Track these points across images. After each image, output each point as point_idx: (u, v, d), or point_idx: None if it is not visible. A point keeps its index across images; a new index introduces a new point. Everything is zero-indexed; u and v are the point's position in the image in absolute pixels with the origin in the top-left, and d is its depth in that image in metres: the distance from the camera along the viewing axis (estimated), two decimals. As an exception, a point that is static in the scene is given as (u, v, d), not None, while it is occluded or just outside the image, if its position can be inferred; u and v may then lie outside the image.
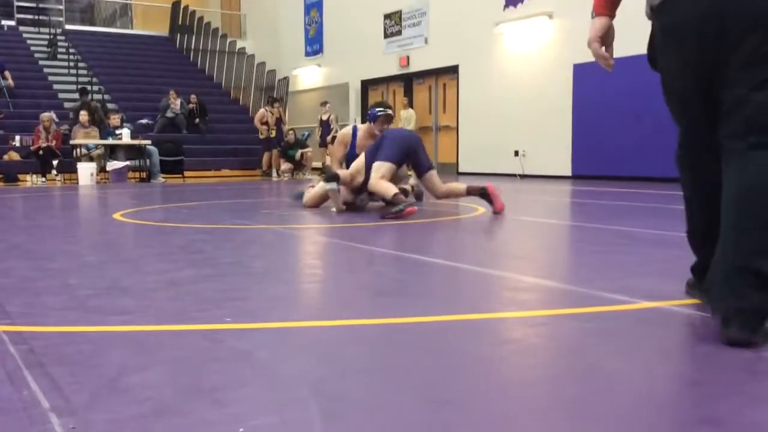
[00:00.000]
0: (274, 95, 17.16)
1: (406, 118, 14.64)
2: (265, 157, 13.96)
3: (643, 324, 2.08)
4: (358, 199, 6.23)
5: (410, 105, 14.96)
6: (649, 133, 10.50)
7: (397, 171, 6.04)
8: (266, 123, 13.80)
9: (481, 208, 5.95)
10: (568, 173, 11.83)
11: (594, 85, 11.27)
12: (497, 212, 5.58)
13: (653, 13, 2.16)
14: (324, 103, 14.87)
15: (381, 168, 5.79)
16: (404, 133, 6.25)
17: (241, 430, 1.28)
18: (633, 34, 10.48)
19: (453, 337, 1.95)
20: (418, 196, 6.89)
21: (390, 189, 5.63)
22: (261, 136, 13.99)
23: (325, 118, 14.53)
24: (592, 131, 11.37)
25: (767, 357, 1.74)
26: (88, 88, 14.86)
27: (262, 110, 13.90)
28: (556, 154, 11.97)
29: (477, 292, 2.63)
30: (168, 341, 1.93)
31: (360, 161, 6.02)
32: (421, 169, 6.03)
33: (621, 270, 3.02)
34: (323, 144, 14.51)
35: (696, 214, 2.18)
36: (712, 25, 1.90)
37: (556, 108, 11.93)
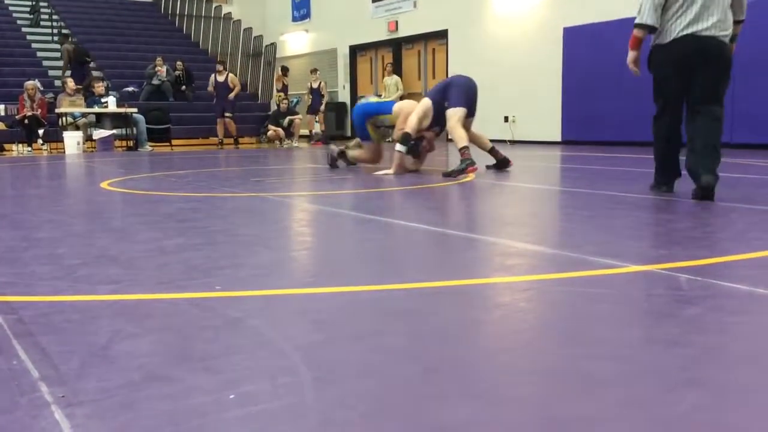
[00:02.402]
0: (262, 61, 16.95)
1: (391, 85, 14.53)
2: (218, 126, 13.27)
3: (630, 287, 2.10)
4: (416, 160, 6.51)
5: (395, 71, 14.84)
6: (639, 98, 10.45)
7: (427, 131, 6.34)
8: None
9: (471, 175, 5.94)
10: (558, 139, 11.81)
11: (584, 50, 11.20)
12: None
13: (661, 47, 4.17)
14: (314, 71, 14.71)
15: (457, 113, 6.10)
16: (470, 82, 6.41)
17: (232, 396, 1.28)
18: (623, -3, 10.07)
19: (443, 302, 1.96)
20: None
21: (462, 139, 5.96)
22: (214, 104, 13.33)
23: (315, 86, 14.38)
24: (582, 96, 11.33)
25: (751, 321, 1.76)
26: (67, 32, 14.77)
27: (211, 76, 13.30)
28: (546, 120, 11.94)
29: (466, 258, 2.64)
30: (157, 310, 1.93)
31: (426, 104, 6.21)
32: (471, 114, 6.33)
33: (609, 234, 3.04)
34: (313, 111, 14.38)
35: (664, 145, 4.35)
36: (692, 59, 4.04)
37: (545, 73, 11.86)
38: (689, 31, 4.00)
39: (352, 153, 6.91)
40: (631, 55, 4.29)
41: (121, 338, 1.64)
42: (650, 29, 4.15)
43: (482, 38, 13.18)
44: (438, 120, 6.30)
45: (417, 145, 6.38)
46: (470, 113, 6.29)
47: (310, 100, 14.43)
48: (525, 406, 1.25)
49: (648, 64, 4.28)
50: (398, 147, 6.11)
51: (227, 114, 13.16)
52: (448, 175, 5.79)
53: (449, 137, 6.52)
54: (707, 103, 4.05)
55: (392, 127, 6.61)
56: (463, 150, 5.88)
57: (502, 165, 6.44)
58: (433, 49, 14.73)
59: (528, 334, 1.69)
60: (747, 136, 9.10)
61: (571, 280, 2.18)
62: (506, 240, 2.97)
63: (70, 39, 14.81)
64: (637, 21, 4.18)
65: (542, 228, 3.50)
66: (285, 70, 14.71)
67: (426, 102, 6.28)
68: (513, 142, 12.18)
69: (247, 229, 3.38)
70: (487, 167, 6.46)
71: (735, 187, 4.71)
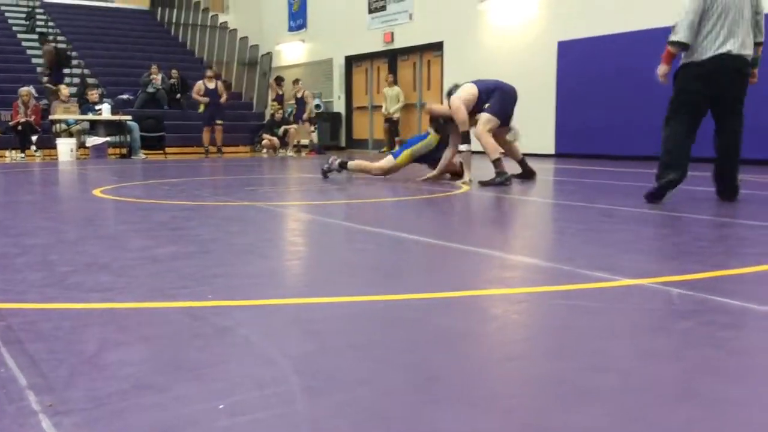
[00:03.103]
0: (257, 71, 16.98)
1: (392, 97, 14.56)
2: (204, 134, 13.13)
3: (623, 301, 2.09)
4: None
5: (395, 82, 14.88)
6: (632, 111, 10.53)
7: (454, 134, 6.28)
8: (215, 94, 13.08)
9: (466, 186, 5.94)
10: (552, 151, 11.85)
11: (578, 63, 11.26)
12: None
13: (696, 64, 4.46)
14: (296, 81, 14.65)
15: (490, 121, 6.02)
16: (514, 93, 6.37)
17: (222, 406, 1.27)
18: (618, 12, 10.57)
19: (437, 313, 1.95)
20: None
21: (495, 150, 5.93)
22: (200, 111, 13.22)
23: (299, 95, 14.35)
24: (575, 109, 11.38)
25: (742, 336, 1.76)
26: (46, 32, 14.76)
27: (199, 82, 13.16)
28: (540, 132, 11.97)
29: (461, 270, 2.63)
30: (148, 318, 1.91)
31: (472, 91, 6.08)
32: (506, 124, 6.31)
33: (603, 248, 3.04)
34: (296, 121, 14.31)
35: (682, 137, 4.51)
36: (722, 77, 4.42)
37: (540, 86, 11.90)
38: (723, 50, 4.37)
39: (355, 163, 6.88)
40: (664, 68, 4.55)
41: (111, 346, 1.63)
42: (684, 47, 4.45)
43: (477, 51, 13.23)
44: (473, 112, 6.19)
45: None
46: (504, 123, 6.28)
47: (295, 110, 14.39)
48: (519, 416, 1.25)
49: (674, 78, 4.57)
50: (462, 147, 6.08)
51: (218, 121, 13.12)
52: (486, 184, 5.79)
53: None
54: (729, 117, 4.50)
55: (450, 120, 6.34)
56: (496, 162, 5.89)
57: (527, 176, 6.51)
58: (429, 61, 14.77)
59: (522, 345, 1.69)
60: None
61: (564, 292, 2.18)
62: (501, 252, 2.96)
63: (50, 39, 14.80)
64: (672, 38, 4.45)
65: (537, 241, 3.50)
66: (279, 80, 14.71)
67: (472, 89, 6.16)
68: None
69: (240, 238, 3.37)
70: (514, 176, 6.36)
71: (735, 201, 4.73)
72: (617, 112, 10.72)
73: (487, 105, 6.11)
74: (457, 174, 6.49)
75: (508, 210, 4.79)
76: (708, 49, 4.40)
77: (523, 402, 1.32)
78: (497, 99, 6.09)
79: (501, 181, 5.80)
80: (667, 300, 2.07)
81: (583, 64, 11.15)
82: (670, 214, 4.04)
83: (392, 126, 14.72)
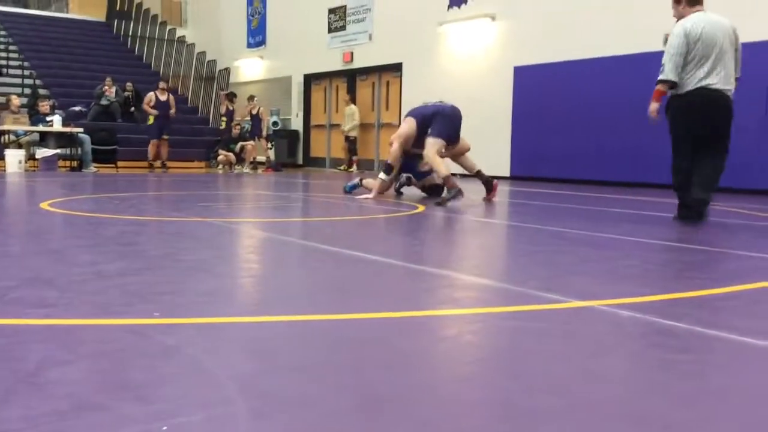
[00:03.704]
0: (215, 86, 16.87)
1: (349, 115, 14.61)
2: (151, 147, 13.01)
3: (574, 323, 2.11)
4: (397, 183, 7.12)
5: (353, 101, 14.93)
6: (585, 136, 10.75)
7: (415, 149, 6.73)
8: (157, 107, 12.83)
9: (421, 206, 5.97)
10: (507, 174, 12.00)
11: (533, 88, 11.47)
12: (488, 199, 6.73)
13: (678, 96, 4.99)
14: (251, 98, 14.55)
15: (436, 144, 6.42)
16: (455, 112, 6.71)
17: (165, 428, 1.23)
18: (573, 40, 10.82)
19: (388, 334, 1.94)
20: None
21: (443, 169, 6.30)
22: (149, 123, 13.02)
23: (254, 112, 14.27)
24: (530, 133, 11.58)
25: (690, 360, 1.79)
26: None
27: (151, 93, 13.02)
28: (496, 155, 12.13)
29: (413, 290, 2.63)
30: (92, 336, 1.85)
31: (410, 127, 6.56)
32: (452, 142, 6.73)
33: (555, 270, 3.07)
34: (253, 137, 14.19)
35: (684, 180, 5.05)
36: (702, 107, 4.91)
37: (496, 109, 12.08)
38: (701, 84, 4.88)
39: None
40: (654, 106, 5.05)
41: (51, 365, 1.57)
42: (672, 85, 4.96)
43: (436, 73, 13.38)
44: (420, 141, 6.60)
45: (410, 179, 7.06)
46: (452, 141, 6.66)
47: (250, 126, 14.28)
48: (466, 441, 1.24)
49: (665, 111, 5.09)
50: (381, 176, 6.58)
51: (165, 136, 12.93)
52: (440, 204, 6.06)
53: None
54: (712, 144, 4.98)
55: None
56: (446, 179, 6.24)
57: (488, 186, 6.89)
58: (388, 82, 14.87)
59: (472, 366, 1.68)
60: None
61: (516, 314, 2.19)
62: (454, 272, 2.97)
63: None
64: (661, 77, 4.96)
65: (489, 261, 3.52)
66: (231, 96, 14.49)
67: (410, 123, 6.61)
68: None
69: (191, 255, 3.31)
70: (484, 199, 6.83)
71: (682, 226, 4.84)
72: (571, 136, 10.94)
73: (429, 129, 6.52)
74: (434, 187, 6.96)
75: (461, 231, 4.81)
76: (690, 83, 4.91)
77: (471, 423, 1.31)
78: (437, 122, 6.49)
79: (453, 196, 6.09)
80: (616, 322, 2.10)
81: (539, 90, 11.37)
82: (620, 238, 4.11)
83: (350, 145, 14.77)
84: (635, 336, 1.94)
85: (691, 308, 2.34)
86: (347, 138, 14.76)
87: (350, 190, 7.21)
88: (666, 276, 3.04)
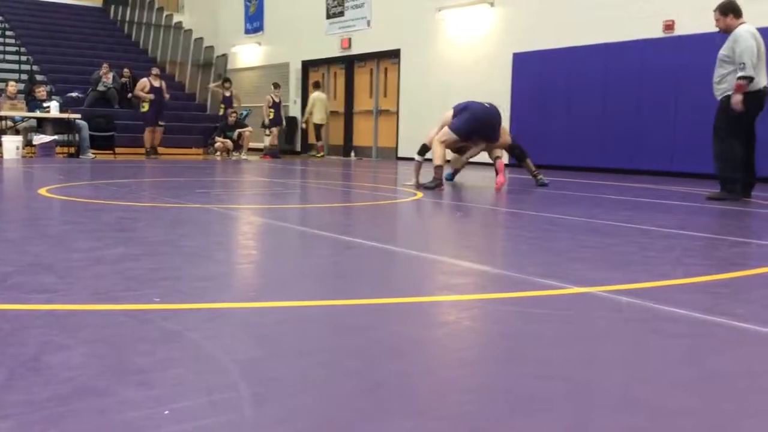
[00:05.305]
0: (212, 72, 16.79)
1: (320, 101, 14.74)
2: (147, 134, 12.77)
3: (572, 309, 2.12)
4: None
5: (316, 87, 15.05)
6: (584, 123, 10.74)
7: (467, 142, 7.00)
8: (151, 91, 12.73)
9: (420, 193, 5.96)
10: (506, 161, 11.96)
11: (531, 75, 11.44)
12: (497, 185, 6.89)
13: (750, 94, 5.73)
14: (276, 85, 14.51)
15: (445, 135, 6.66)
16: (487, 112, 6.88)
17: (167, 412, 1.24)
18: (570, 27, 10.79)
19: (387, 319, 1.95)
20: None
21: (438, 159, 6.53)
22: (143, 110, 12.77)
23: (277, 100, 14.26)
24: (529, 119, 11.55)
25: (688, 345, 1.79)
26: None
27: (144, 79, 12.81)
28: (494, 142, 12.10)
29: (412, 276, 2.63)
30: (92, 321, 1.86)
31: (447, 115, 6.80)
32: (488, 140, 7.02)
33: (552, 256, 3.08)
34: (275, 125, 14.18)
35: (740, 163, 5.84)
36: (761, 104, 5.89)
37: (495, 96, 11.95)
38: (762, 84, 5.75)
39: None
40: (740, 98, 5.68)
41: (52, 350, 1.57)
42: (751, 80, 5.66)
43: (434, 59, 13.33)
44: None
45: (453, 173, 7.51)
46: (467, 138, 6.88)
47: (272, 113, 14.21)
48: (466, 423, 1.24)
49: (726, 105, 5.80)
50: (416, 158, 6.83)
51: (161, 123, 12.86)
52: (419, 186, 6.39)
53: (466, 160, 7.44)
54: (752, 134, 5.91)
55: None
56: (437, 168, 6.43)
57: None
58: (386, 68, 14.82)
59: (471, 352, 1.69)
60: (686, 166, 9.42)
61: (514, 300, 2.20)
62: (452, 259, 2.98)
63: None
64: (744, 74, 5.62)
65: (488, 248, 3.53)
66: (226, 81, 14.42)
67: (449, 112, 6.87)
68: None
69: (190, 241, 3.31)
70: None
71: (680, 213, 4.85)
72: (569, 123, 10.93)
73: (452, 122, 6.77)
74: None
75: (459, 217, 4.81)
76: (759, 83, 5.72)
77: (470, 409, 1.32)
78: (462, 118, 6.71)
79: (431, 186, 6.36)
80: (615, 308, 2.11)
81: (537, 76, 11.34)
82: (617, 224, 4.12)
83: (320, 131, 15.11)
84: (634, 321, 1.95)
85: (689, 294, 2.35)
86: (320, 125, 15.01)
87: (451, 178, 7.50)
88: (665, 262, 3.05)
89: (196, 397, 1.32)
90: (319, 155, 15.18)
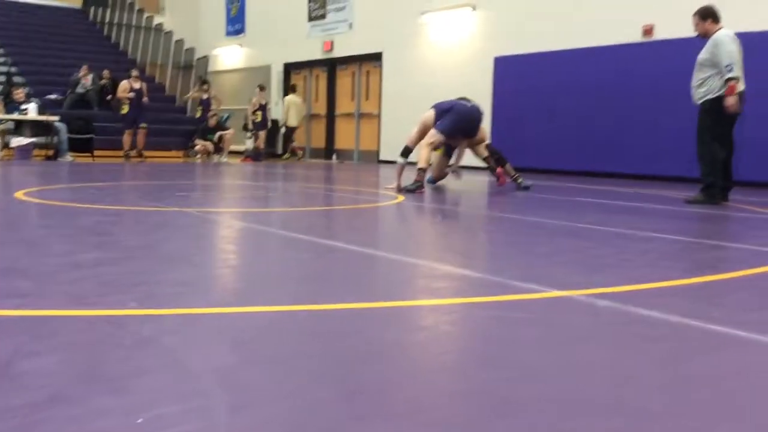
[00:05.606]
0: (193, 74, 16.69)
1: (296, 104, 14.74)
2: (126, 137, 12.70)
3: (551, 312, 2.12)
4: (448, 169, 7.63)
5: (292, 90, 15.01)
6: (563, 127, 10.80)
7: (453, 140, 7.04)
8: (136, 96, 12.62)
9: (401, 197, 5.96)
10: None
11: (513, 79, 11.49)
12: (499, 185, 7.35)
13: (717, 99, 5.81)
14: (262, 87, 14.47)
15: (433, 137, 6.70)
16: (471, 113, 6.98)
17: (140, 420, 1.22)
18: (552, 31, 10.85)
19: (366, 324, 1.94)
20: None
21: (422, 162, 6.59)
22: (122, 112, 12.70)
23: (263, 102, 14.20)
24: (510, 124, 11.60)
25: (666, 348, 1.80)
26: None
27: (125, 81, 12.72)
28: (475, 145, 12.14)
29: (391, 280, 2.63)
30: (67, 326, 1.83)
31: (428, 115, 6.82)
32: (469, 137, 7.09)
33: (532, 260, 3.09)
34: (262, 128, 14.13)
35: (720, 167, 5.90)
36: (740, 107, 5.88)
37: (476, 99, 11.98)
38: (742, 88, 5.77)
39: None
40: (735, 99, 5.73)
41: (25, 356, 1.55)
42: (737, 80, 5.72)
43: (416, 63, 13.36)
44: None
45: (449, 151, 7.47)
46: (467, 135, 7.02)
47: (259, 116, 14.14)
48: (444, 428, 1.24)
49: (707, 110, 5.89)
50: (399, 160, 6.69)
51: (143, 125, 12.74)
52: (406, 189, 6.35)
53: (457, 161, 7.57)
54: (731, 138, 5.99)
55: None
56: (420, 171, 6.46)
57: (494, 170, 7.58)
58: (368, 71, 14.82)
59: (450, 356, 1.69)
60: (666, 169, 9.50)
61: (494, 303, 2.20)
62: (432, 262, 2.97)
63: None
64: (733, 75, 5.68)
65: (468, 251, 3.53)
66: (204, 83, 14.37)
67: (431, 113, 6.87)
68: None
69: (168, 245, 3.28)
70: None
71: (657, 216, 4.88)
72: (550, 126, 10.99)
73: (437, 123, 6.79)
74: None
75: (440, 221, 4.82)
76: (738, 87, 5.73)
77: (448, 414, 1.32)
78: (449, 118, 6.75)
79: (414, 188, 6.37)
80: (593, 312, 2.11)
81: (518, 80, 11.39)
82: (595, 228, 4.14)
83: (291, 134, 15.12)
84: (612, 325, 1.96)
85: (665, 297, 2.36)
86: (294, 128, 14.99)
87: (433, 182, 7.52)
88: (642, 265, 3.07)
89: (170, 404, 1.30)
90: (299, 157, 15.16)
